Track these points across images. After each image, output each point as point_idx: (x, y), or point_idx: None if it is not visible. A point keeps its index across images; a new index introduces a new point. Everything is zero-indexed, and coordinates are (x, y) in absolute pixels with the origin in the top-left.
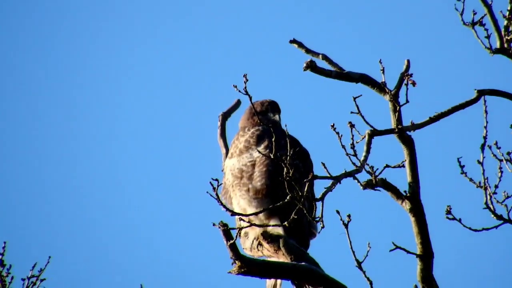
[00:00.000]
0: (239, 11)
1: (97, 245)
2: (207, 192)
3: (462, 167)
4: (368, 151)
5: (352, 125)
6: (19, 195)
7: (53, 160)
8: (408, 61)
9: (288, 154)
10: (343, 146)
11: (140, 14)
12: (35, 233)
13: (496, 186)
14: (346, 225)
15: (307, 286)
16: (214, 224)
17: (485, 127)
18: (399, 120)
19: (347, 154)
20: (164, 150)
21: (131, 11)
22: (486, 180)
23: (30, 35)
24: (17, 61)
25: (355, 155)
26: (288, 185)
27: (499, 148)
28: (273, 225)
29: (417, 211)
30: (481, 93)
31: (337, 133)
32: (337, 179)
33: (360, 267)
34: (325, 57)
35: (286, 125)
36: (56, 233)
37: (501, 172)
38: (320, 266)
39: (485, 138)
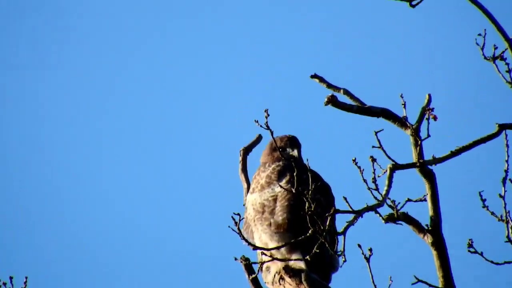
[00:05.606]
0: (259, 45)
1: (117, 273)
2: (228, 227)
3: (483, 200)
4: (389, 185)
5: (373, 159)
6: (39, 228)
7: (62, 161)
8: (429, 95)
9: (310, 188)
10: (365, 180)
11: (163, 43)
12: (56, 267)
13: None
14: (367, 259)
15: None
16: (236, 259)
17: (506, 161)
18: (420, 154)
19: (369, 188)
20: (186, 184)
21: (148, 35)
22: (507, 214)
23: (29, 35)
24: (15, 61)
25: (377, 189)
26: (310, 219)
27: None
28: (295, 259)
29: (439, 244)
30: (502, 127)
31: (359, 167)
32: (358, 213)
33: None
34: (346, 92)
35: (307, 160)
36: (77, 268)
37: None
38: None
39: (506, 172)
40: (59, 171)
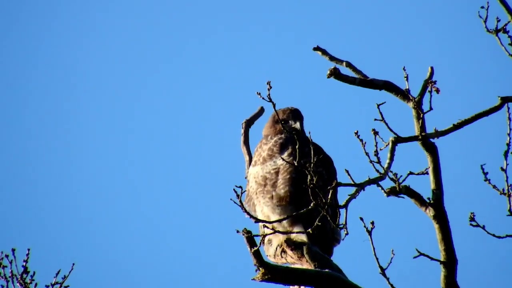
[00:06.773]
0: (263, 18)
1: (120, 253)
2: (231, 199)
3: (485, 174)
4: (391, 158)
5: (375, 132)
6: (43, 201)
7: (78, 166)
8: (432, 68)
9: (311, 161)
10: (367, 153)
11: (168, 19)
12: (58, 240)
13: None
14: (369, 232)
15: None
16: (238, 231)
17: (509, 134)
18: (422, 127)
19: (371, 161)
20: (188, 157)
21: (157, 15)
22: (509, 187)
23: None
24: (22, 61)
25: (379, 162)
26: (312, 192)
27: None
28: (296, 232)
29: (441, 218)
30: (505, 100)
31: (361, 140)
32: (360, 186)
33: (383, 274)
34: (349, 64)
35: (309, 132)
36: (80, 240)
37: None
38: (343, 273)
39: (508, 145)
40: (75, 173)
